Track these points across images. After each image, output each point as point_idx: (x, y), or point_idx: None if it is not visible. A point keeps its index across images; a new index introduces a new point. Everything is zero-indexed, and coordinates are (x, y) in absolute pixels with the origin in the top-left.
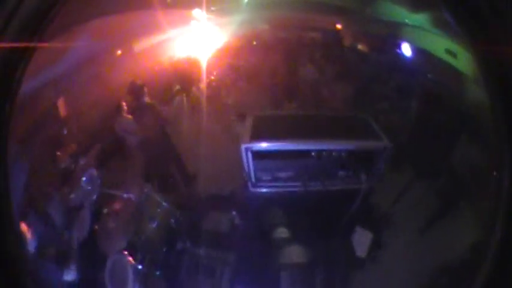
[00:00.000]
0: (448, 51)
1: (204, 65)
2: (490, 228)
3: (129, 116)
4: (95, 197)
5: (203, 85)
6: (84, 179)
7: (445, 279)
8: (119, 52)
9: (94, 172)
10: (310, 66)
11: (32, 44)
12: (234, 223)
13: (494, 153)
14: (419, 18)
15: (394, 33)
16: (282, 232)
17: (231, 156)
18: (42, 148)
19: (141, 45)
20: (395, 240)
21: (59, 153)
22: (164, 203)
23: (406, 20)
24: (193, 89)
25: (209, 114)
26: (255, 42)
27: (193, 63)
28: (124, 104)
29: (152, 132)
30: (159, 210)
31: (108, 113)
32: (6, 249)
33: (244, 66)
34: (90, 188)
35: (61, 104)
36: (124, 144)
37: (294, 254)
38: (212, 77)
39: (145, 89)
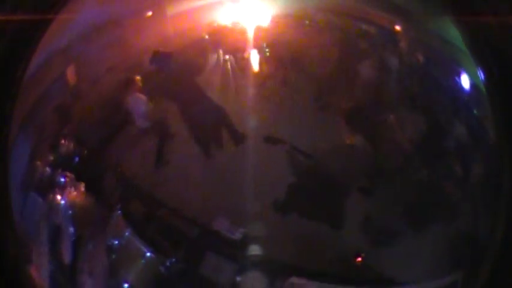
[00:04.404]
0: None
1: (250, 36)
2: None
3: (142, 96)
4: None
5: (246, 57)
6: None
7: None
8: (149, 14)
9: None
10: (363, 61)
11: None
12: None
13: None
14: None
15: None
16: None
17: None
18: (48, 119)
19: (177, 7)
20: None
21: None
22: (148, 253)
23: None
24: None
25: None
26: (307, 22)
27: (236, 33)
28: (138, 78)
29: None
30: (143, 261)
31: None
32: (6, 249)
33: (293, 44)
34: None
35: (70, 72)
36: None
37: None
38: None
39: (172, 60)
